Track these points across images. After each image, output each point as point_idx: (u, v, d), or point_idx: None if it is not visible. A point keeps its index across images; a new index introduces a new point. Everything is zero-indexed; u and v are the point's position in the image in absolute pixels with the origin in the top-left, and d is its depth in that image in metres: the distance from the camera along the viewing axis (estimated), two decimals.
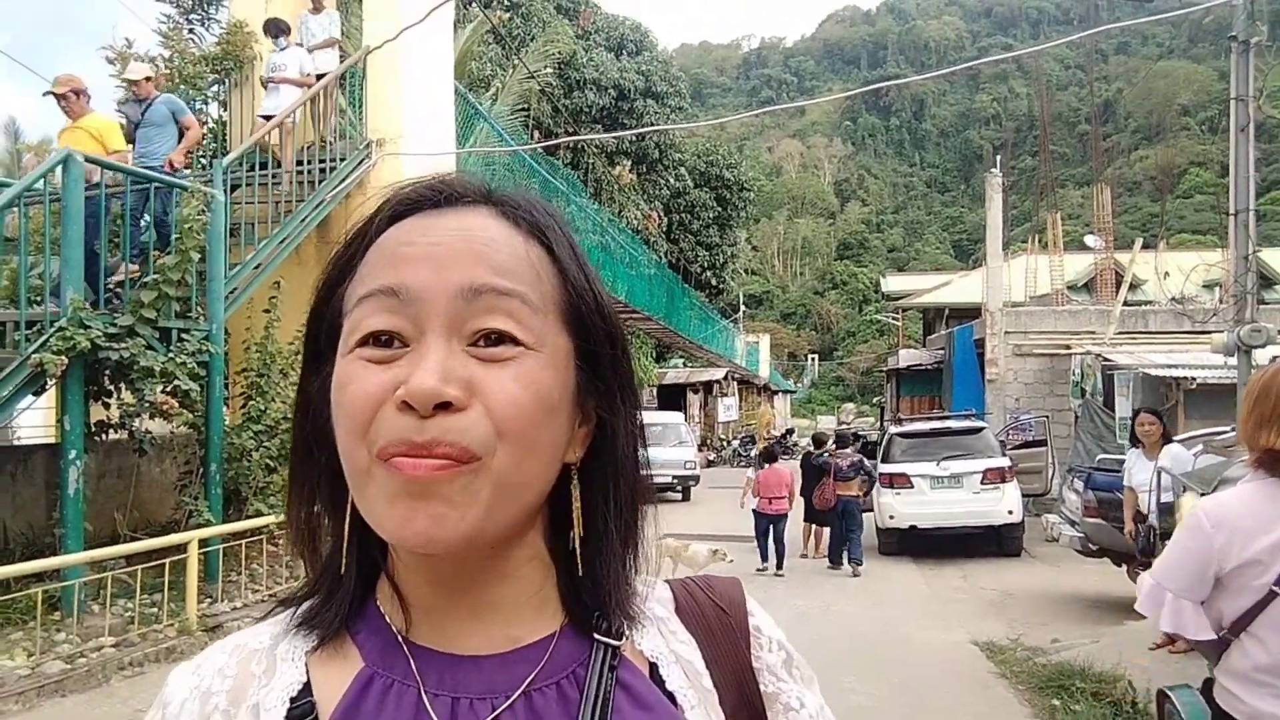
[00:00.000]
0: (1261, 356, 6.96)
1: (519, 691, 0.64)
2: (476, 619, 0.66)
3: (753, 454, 18.88)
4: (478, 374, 0.59)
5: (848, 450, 11.90)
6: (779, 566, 10.97)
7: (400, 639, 0.66)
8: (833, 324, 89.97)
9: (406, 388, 0.57)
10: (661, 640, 0.71)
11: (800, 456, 13.43)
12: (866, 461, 11.95)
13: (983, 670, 6.66)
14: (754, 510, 11.18)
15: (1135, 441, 7.11)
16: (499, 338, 0.60)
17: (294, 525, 0.69)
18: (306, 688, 0.64)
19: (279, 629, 0.68)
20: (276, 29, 9.74)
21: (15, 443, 9.49)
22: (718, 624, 0.74)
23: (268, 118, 9.13)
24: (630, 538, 0.70)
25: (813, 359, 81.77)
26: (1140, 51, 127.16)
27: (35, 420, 9.82)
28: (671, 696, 0.68)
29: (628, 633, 0.69)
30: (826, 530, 11.72)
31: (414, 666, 0.64)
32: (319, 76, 9.66)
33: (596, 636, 0.67)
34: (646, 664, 0.69)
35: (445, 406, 0.57)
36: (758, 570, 10.92)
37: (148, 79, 8.06)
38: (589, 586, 0.68)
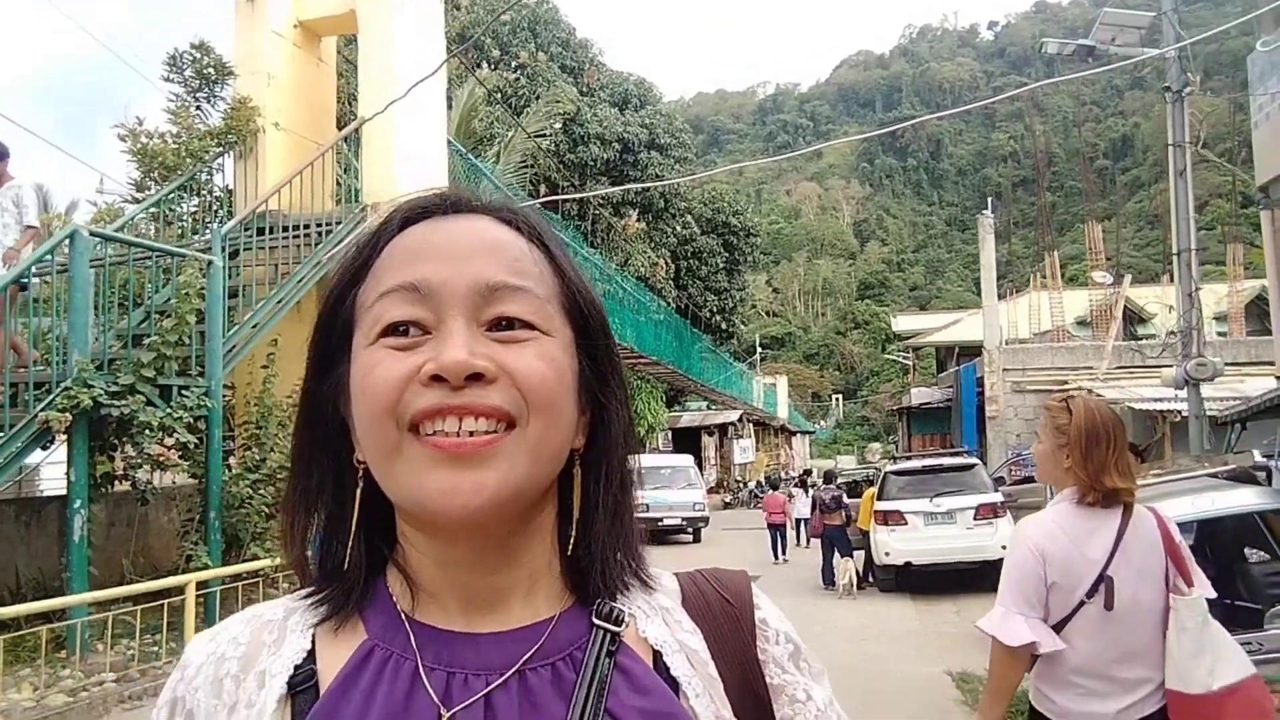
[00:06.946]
0: (1205, 389, 7.20)
1: (513, 669, 0.66)
2: (481, 600, 0.68)
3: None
4: (499, 352, 0.63)
5: (831, 485, 13.06)
6: (782, 554, 15.54)
7: (403, 616, 0.68)
8: (856, 363, 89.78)
9: (437, 361, 0.61)
10: (667, 629, 0.72)
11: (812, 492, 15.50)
12: (845, 497, 12.99)
13: (947, 698, 6.83)
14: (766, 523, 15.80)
15: None
16: (511, 323, 0.64)
17: (294, 532, 0.72)
18: (310, 656, 0.68)
19: (294, 604, 0.72)
20: None
21: (39, 494, 9.98)
22: (723, 615, 0.75)
23: None
24: (620, 518, 0.72)
25: (837, 399, 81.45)
26: (1155, 85, 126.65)
27: (57, 473, 10.29)
28: (675, 683, 0.69)
29: (629, 620, 0.71)
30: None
31: (413, 641, 0.67)
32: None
33: (595, 621, 0.69)
34: (650, 651, 0.71)
35: (476, 379, 0.61)
36: (772, 563, 15.24)
37: None
38: (584, 564, 0.71)
